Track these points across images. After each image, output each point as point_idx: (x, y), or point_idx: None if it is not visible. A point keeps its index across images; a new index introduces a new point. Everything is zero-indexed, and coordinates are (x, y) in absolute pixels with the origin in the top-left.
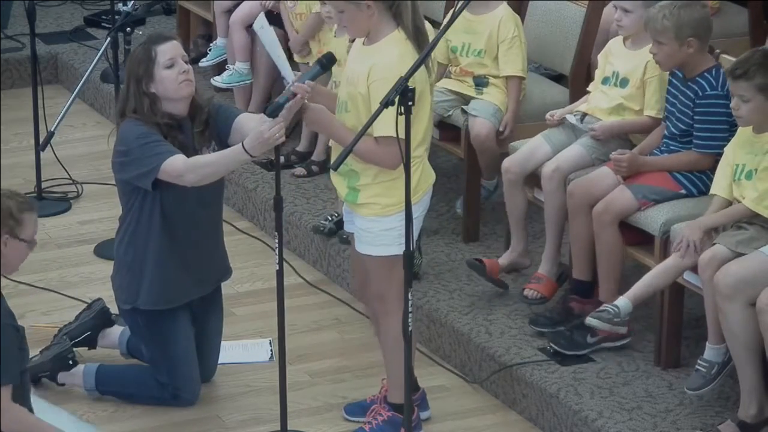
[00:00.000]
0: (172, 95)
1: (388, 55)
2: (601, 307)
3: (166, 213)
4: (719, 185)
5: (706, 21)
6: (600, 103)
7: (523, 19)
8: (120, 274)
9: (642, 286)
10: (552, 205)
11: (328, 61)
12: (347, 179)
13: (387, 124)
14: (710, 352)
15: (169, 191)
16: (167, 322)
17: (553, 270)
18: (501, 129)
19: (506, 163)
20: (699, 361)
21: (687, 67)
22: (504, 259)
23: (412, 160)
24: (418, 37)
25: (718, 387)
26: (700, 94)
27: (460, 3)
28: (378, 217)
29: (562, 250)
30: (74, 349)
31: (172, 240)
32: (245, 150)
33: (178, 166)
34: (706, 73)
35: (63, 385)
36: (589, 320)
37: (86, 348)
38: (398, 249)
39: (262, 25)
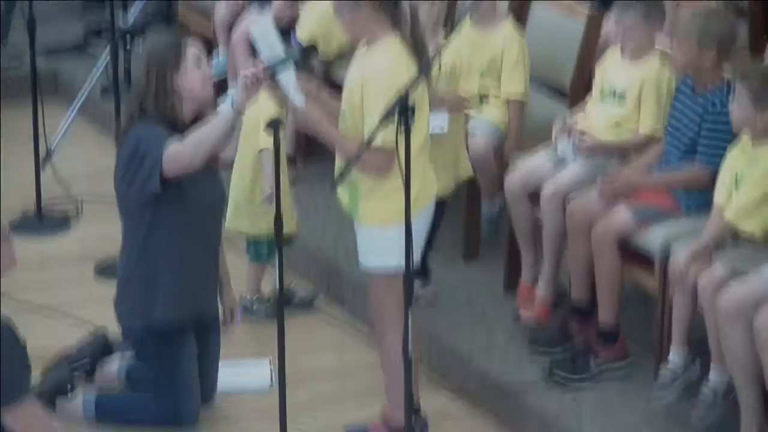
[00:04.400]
0: (198, 94)
1: (379, 63)
2: (659, 374)
3: (178, 221)
4: (719, 192)
5: (731, 35)
6: (597, 120)
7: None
8: (128, 294)
9: (678, 327)
10: (551, 227)
11: (308, 51)
12: (349, 189)
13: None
14: (715, 372)
15: (179, 197)
16: (177, 343)
17: (549, 292)
18: (501, 153)
19: (509, 179)
20: (704, 383)
21: (700, 78)
22: (525, 278)
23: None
24: (416, 46)
25: (722, 410)
26: (710, 108)
27: (462, 17)
28: (375, 228)
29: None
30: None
31: (184, 249)
32: (233, 108)
33: (175, 150)
34: (717, 88)
35: (62, 412)
36: (660, 397)
37: (84, 375)
38: (397, 261)
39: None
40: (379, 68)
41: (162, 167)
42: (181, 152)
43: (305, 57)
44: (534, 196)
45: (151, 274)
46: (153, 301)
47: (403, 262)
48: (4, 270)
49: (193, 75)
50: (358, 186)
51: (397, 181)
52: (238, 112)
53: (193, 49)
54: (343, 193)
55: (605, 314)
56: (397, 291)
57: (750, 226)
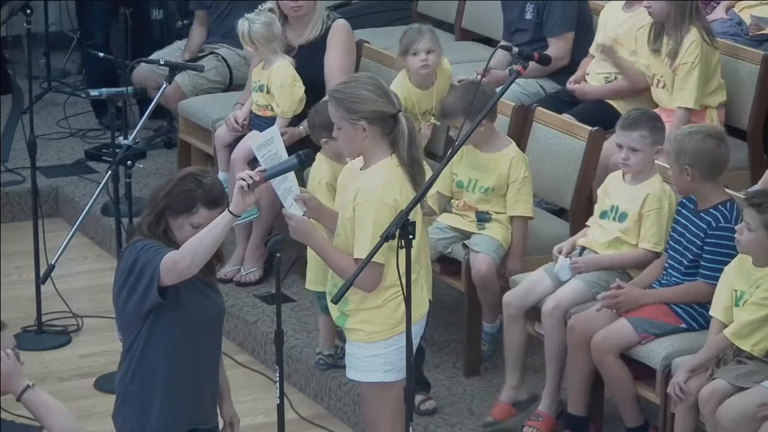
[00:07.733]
0: (177, 244)
1: (373, 180)
2: None
3: (175, 336)
4: (717, 308)
5: (709, 155)
6: (598, 237)
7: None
8: (125, 407)
9: None
10: (552, 342)
11: (306, 158)
12: (339, 303)
13: (366, 248)
14: None
15: (177, 311)
16: None
17: (553, 407)
18: (503, 269)
19: (507, 297)
20: None
21: (698, 197)
22: (504, 398)
23: (391, 290)
24: (413, 167)
25: None
26: (713, 225)
27: (460, 138)
28: (363, 343)
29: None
30: None
31: (181, 364)
32: (229, 211)
33: (172, 256)
34: (720, 206)
35: None
36: None
37: None
38: (383, 376)
39: (263, 142)
40: (372, 185)
41: (160, 276)
42: (178, 257)
43: (305, 164)
44: (532, 311)
45: (147, 388)
46: (148, 416)
47: (388, 377)
48: (4, 388)
49: (185, 233)
50: (348, 301)
51: (383, 299)
52: (235, 216)
53: (205, 214)
54: (333, 306)
55: (629, 421)
56: (389, 401)
57: (749, 345)
